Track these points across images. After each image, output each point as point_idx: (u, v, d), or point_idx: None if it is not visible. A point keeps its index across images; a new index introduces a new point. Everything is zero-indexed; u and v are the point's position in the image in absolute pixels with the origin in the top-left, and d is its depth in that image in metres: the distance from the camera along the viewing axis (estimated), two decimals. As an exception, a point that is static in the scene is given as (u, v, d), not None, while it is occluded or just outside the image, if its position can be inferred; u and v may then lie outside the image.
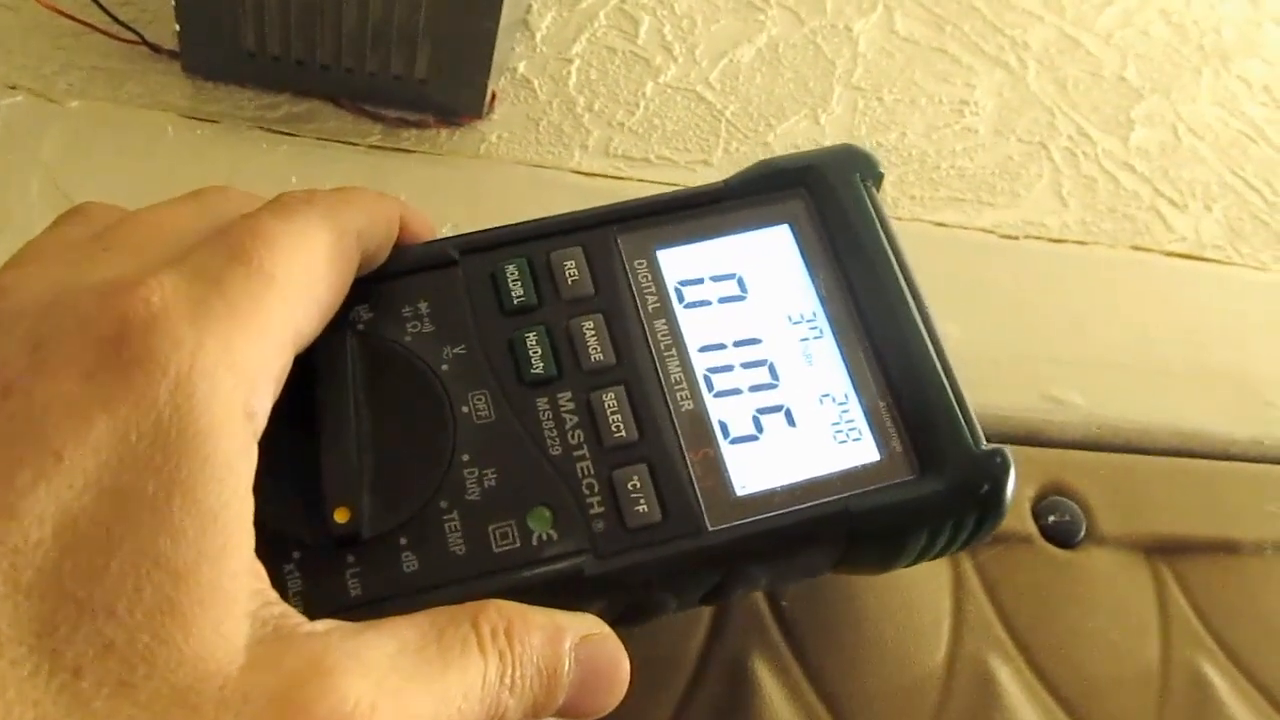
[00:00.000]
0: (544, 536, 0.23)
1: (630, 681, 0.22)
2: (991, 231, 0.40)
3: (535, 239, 0.27)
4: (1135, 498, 0.36)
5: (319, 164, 0.36)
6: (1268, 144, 0.48)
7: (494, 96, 0.40)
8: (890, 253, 0.26)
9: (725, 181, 0.28)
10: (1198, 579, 0.35)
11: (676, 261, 0.27)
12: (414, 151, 0.37)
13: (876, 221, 0.27)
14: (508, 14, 0.38)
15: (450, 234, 0.26)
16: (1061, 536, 0.35)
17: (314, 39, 0.36)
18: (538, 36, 0.42)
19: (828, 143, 0.42)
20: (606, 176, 0.39)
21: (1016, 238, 0.41)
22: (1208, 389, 0.39)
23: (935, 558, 0.27)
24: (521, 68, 0.41)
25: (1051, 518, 0.35)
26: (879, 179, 0.28)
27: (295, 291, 0.20)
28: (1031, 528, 0.35)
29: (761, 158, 0.41)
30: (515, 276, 0.26)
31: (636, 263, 0.26)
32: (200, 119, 0.37)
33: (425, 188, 0.37)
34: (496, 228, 0.27)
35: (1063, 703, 0.31)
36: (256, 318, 0.19)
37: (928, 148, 0.43)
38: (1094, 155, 0.45)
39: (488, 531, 0.23)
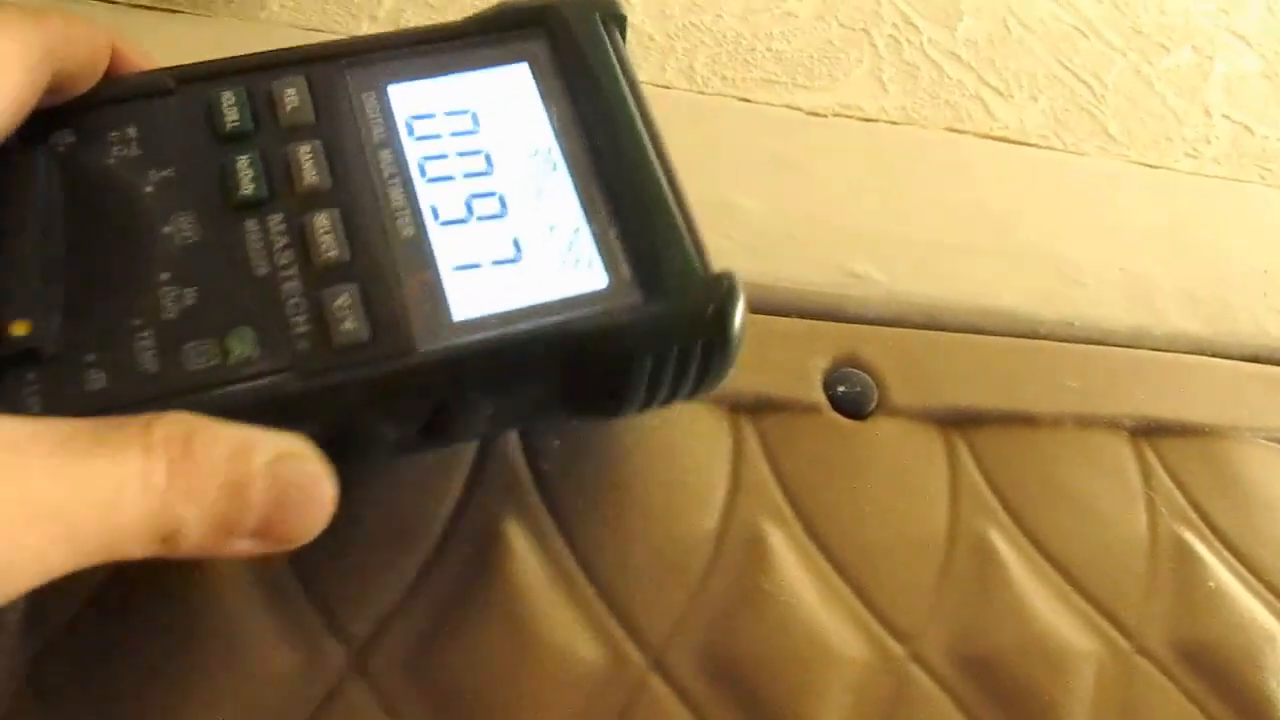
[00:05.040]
0: (245, 355, 0.22)
1: (368, 542, 0.22)
2: (798, 109, 0.39)
3: (259, 70, 0.26)
4: (931, 371, 0.35)
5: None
6: (1099, 39, 0.47)
7: (277, -39, 0.38)
8: (627, 91, 0.26)
9: (463, 20, 0.27)
10: (992, 451, 0.34)
11: (408, 97, 0.26)
12: (180, 12, 0.35)
13: (614, 60, 0.27)
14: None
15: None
16: (851, 407, 0.33)
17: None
18: (331, -94, 0.40)
19: (637, 19, 0.41)
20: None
21: (825, 115, 0.39)
22: (1017, 268, 0.38)
23: (670, 399, 0.26)
24: (311, -64, 0.39)
25: (841, 388, 0.34)
26: (622, 21, 0.28)
27: None
28: (820, 397, 0.33)
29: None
30: (231, 103, 0.25)
31: (365, 95, 0.26)
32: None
33: (188, 50, 0.34)
34: (218, 59, 0.26)
35: (837, 567, 0.30)
36: None
37: (743, 29, 0.42)
38: (919, 43, 0.44)
39: (183, 349, 0.22)
